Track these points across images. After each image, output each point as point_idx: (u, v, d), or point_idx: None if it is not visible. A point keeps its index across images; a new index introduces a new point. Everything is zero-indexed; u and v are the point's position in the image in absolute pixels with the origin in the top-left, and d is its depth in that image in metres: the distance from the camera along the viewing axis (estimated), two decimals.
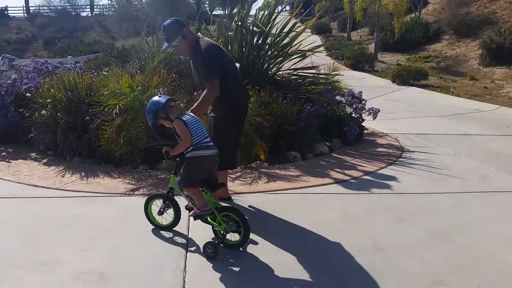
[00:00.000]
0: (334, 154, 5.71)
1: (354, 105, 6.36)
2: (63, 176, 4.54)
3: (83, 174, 4.60)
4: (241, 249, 3.06)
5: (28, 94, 5.51)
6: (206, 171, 3.06)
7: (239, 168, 4.96)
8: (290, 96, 5.92)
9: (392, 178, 4.75)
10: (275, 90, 5.84)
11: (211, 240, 3.04)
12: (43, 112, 5.06)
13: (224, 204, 3.36)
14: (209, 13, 31.00)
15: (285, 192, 4.25)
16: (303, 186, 4.40)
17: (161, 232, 3.32)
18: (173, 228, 3.35)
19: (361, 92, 6.77)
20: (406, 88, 13.41)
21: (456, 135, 7.24)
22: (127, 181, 4.42)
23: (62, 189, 4.14)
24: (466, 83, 14.40)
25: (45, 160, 5.09)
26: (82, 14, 41.97)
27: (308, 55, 7.01)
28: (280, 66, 6.93)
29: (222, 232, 3.01)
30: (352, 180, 4.66)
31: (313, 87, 6.84)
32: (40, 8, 44.80)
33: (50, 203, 3.86)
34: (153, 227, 3.38)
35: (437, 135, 7.21)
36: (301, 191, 4.29)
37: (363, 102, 6.56)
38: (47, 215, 3.59)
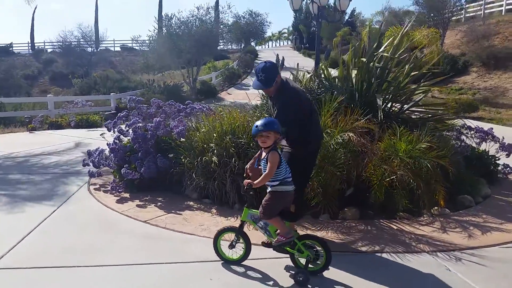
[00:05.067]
0: (500, 197, 5.37)
1: (499, 143, 6.10)
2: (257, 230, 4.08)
3: None
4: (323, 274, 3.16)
5: (182, 139, 5.09)
6: (286, 205, 3.21)
7: (425, 216, 4.60)
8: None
9: None
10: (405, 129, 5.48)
11: (298, 269, 3.17)
12: (214, 158, 4.63)
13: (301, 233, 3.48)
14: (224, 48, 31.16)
15: None
16: None
17: None
18: None
19: (492, 128, 6.53)
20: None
21: None
22: (338, 235, 3.99)
23: None
24: None
25: (213, 210, 4.64)
26: (88, 50, 41.66)
27: (433, 90, 6.77)
28: (405, 103, 6.66)
29: (305, 259, 3.14)
30: None
31: (444, 123, 6.54)
32: (45, 44, 44.71)
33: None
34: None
35: None
36: None
37: (499, 139, 6.30)
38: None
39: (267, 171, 3.06)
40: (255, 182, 3.11)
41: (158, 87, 15.70)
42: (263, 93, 6.06)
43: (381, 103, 5.61)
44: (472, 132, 6.33)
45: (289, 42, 57.46)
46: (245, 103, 10.98)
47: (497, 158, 6.30)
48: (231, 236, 3.39)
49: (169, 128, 5.31)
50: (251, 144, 4.82)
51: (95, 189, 5.43)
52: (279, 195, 3.13)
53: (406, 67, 6.23)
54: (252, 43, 43.59)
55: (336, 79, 6.53)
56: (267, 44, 59.57)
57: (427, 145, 4.75)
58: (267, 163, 3.08)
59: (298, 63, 7.44)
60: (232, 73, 23.31)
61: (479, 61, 20.38)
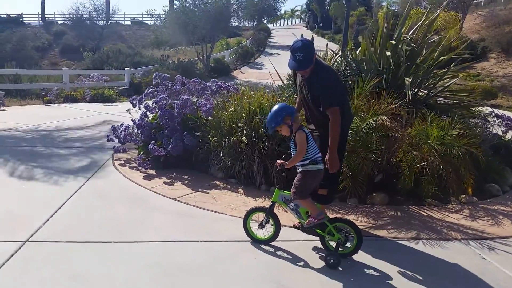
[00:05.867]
0: None
1: None
2: (286, 211, 4.08)
3: None
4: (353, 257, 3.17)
5: (210, 118, 5.05)
6: (317, 183, 3.22)
7: (453, 203, 4.57)
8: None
9: None
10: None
11: (328, 251, 3.18)
12: (243, 138, 4.61)
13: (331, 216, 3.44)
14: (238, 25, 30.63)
15: None
16: None
17: None
18: None
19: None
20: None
21: None
22: (369, 220, 3.99)
23: None
24: None
25: (240, 190, 4.64)
26: (99, 23, 41.19)
27: (461, 76, 6.64)
28: (432, 88, 6.55)
29: (335, 242, 3.15)
30: None
31: (470, 110, 6.43)
32: (56, 16, 44.38)
33: None
34: None
35: None
36: None
37: None
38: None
39: (297, 151, 3.08)
40: (287, 162, 3.14)
41: (172, 63, 15.56)
42: (289, 72, 5.96)
43: (409, 84, 5.52)
44: (499, 120, 6.23)
45: (301, 21, 56.61)
46: (259, 82, 10.83)
47: None
48: (260, 216, 3.42)
49: (195, 106, 5.27)
50: None
51: (120, 164, 5.44)
52: (310, 174, 3.12)
53: (437, 50, 6.09)
54: (264, 21, 42.88)
55: (364, 61, 6.43)
56: (279, 22, 58.65)
57: (459, 132, 4.69)
58: (295, 144, 3.11)
59: (327, 43, 7.28)
60: (246, 51, 23.07)
61: (498, 47, 19.95)
